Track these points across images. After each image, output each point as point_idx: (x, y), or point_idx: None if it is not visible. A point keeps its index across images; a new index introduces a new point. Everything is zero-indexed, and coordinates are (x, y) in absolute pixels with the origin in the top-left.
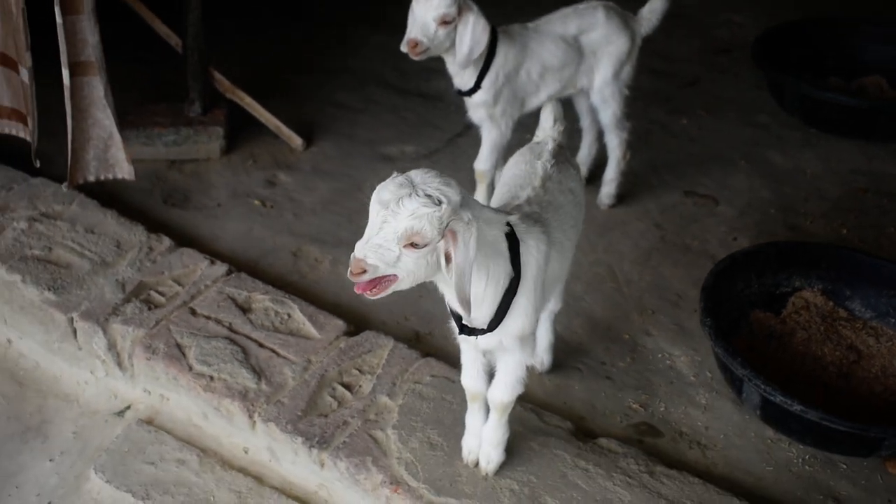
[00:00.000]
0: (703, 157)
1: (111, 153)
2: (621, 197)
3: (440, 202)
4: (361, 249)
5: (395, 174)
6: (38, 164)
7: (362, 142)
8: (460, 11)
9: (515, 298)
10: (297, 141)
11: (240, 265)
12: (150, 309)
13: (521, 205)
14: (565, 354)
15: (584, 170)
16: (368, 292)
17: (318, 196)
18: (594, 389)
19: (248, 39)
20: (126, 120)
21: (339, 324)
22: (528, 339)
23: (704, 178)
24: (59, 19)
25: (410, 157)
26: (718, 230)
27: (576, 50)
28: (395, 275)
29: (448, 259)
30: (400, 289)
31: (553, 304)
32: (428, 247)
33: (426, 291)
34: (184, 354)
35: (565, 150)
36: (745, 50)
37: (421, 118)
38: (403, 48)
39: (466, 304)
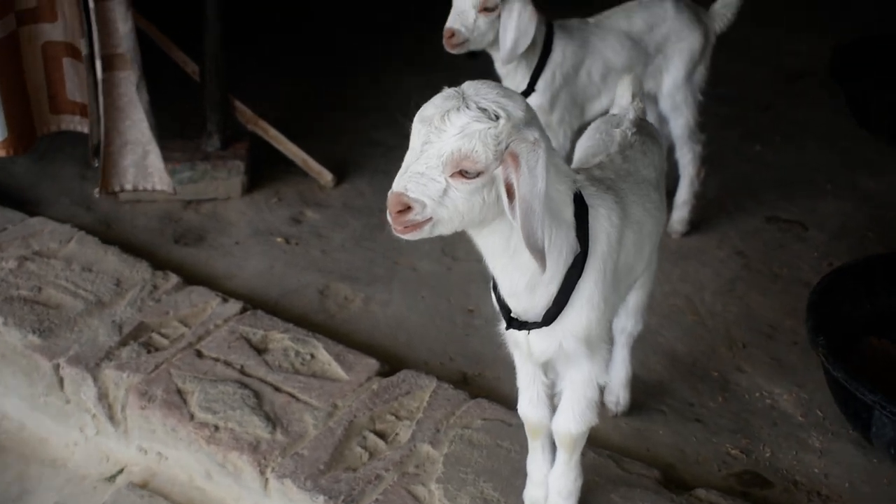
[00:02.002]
0: (783, 181)
1: (150, 160)
2: (695, 224)
3: (497, 117)
4: (399, 181)
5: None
6: (96, 164)
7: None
8: None
9: (580, 281)
10: (326, 177)
11: (257, 305)
12: (149, 352)
13: (590, 168)
14: (644, 395)
15: None
16: (403, 232)
17: (349, 232)
18: (682, 433)
19: (274, 73)
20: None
21: (372, 363)
22: (598, 345)
23: (787, 204)
24: (91, 3)
25: None
26: (810, 256)
27: (642, 48)
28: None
29: (510, 193)
30: (440, 232)
31: (630, 322)
32: (482, 176)
33: (473, 329)
34: (185, 401)
35: (650, 124)
36: (816, 77)
37: None
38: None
39: (539, 252)
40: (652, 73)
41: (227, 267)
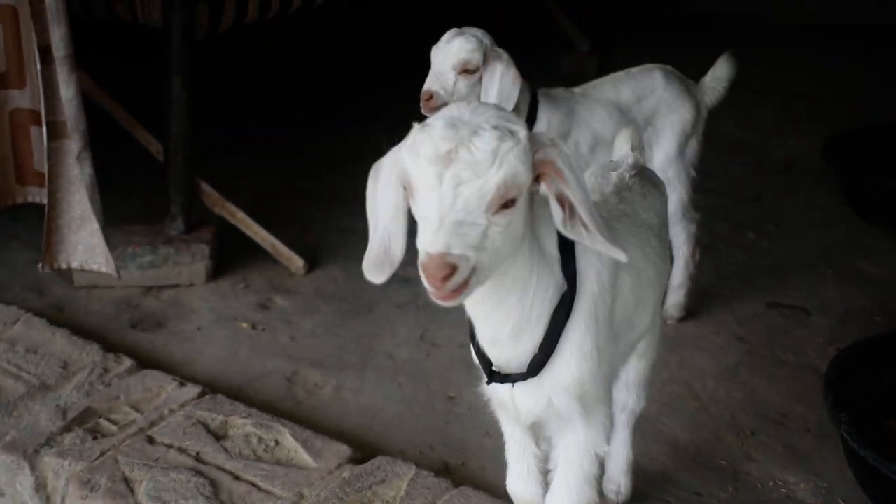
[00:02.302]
0: (780, 268)
1: (97, 240)
2: (691, 310)
3: (513, 132)
4: (436, 239)
5: (416, 125)
6: None
7: None
8: (486, 60)
9: (568, 324)
10: (297, 263)
11: (218, 391)
12: (95, 439)
13: None
14: (647, 484)
15: None
16: (449, 298)
17: (320, 319)
18: None
19: (243, 155)
20: None
21: (343, 449)
22: (595, 406)
23: (787, 289)
24: (37, 65)
25: None
26: (815, 341)
27: (631, 120)
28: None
29: (563, 203)
30: (480, 284)
31: (631, 398)
32: (519, 200)
33: (454, 417)
34: (131, 490)
35: (652, 171)
36: (807, 170)
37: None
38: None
39: (619, 245)
40: (641, 146)
41: (187, 352)
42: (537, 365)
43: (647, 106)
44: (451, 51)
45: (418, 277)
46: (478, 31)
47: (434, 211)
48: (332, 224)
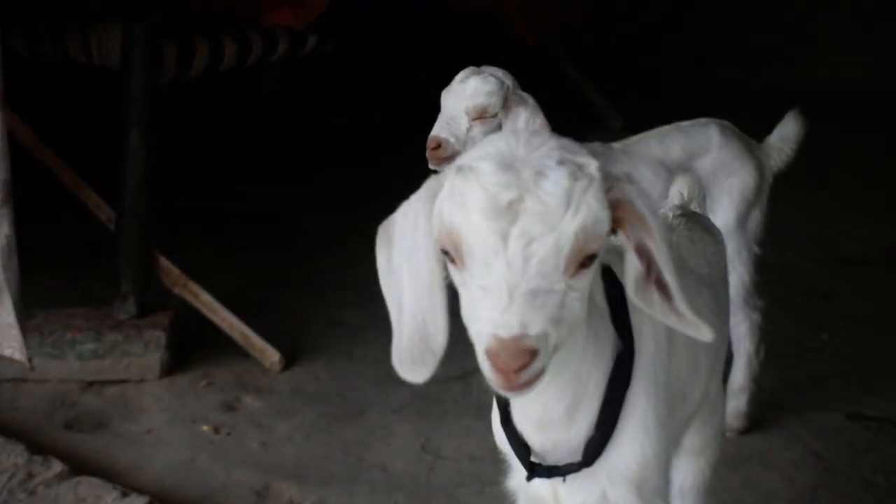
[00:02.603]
0: (860, 374)
1: (11, 319)
2: (756, 420)
3: (581, 166)
4: (509, 318)
5: (448, 170)
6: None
7: (366, 361)
8: (507, 104)
9: (628, 394)
10: (272, 356)
11: None
12: None
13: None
14: None
15: None
16: (523, 390)
17: (298, 422)
18: None
19: (214, 230)
20: (28, 322)
21: None
22: (653, 500)
23: (871, 398)
24: None
25: (436, 381)
26: None
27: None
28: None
29: (642, 252)
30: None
31: (687, 474)
32: (601, 250)
33: None
34: None
35: (706, 218)
36: (883, 262)
37: (450, 337)
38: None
39: (705, 318)
40: (701, 197)
41: (133, 457)
42: (595, 448)
43: (700, 166)
44: (466, 93)
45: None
46: (498, 71)
47: (500, 281)
48: (317, 314)
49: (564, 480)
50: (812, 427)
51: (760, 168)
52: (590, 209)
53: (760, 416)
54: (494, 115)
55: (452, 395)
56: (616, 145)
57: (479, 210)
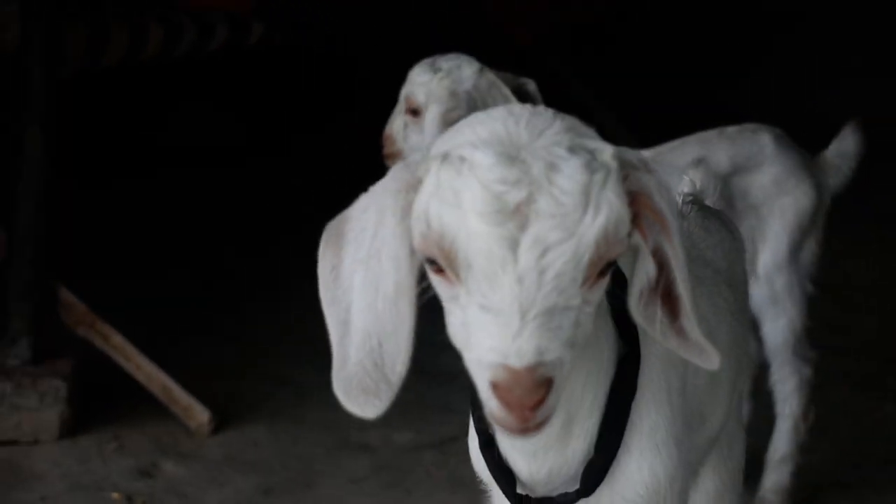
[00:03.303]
0: None
1: None
2: (797, 499)
3: (594, 152)
4: (522, 344)
5: (431, 157)
6: None
7: (317, 426)
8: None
9: (634, 405)
10: (199, 416)
11: None
12: None
13: None
14: None
15: None
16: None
17: (230, 493)
18: None
19: (134, 257)
20: None
21: None
22: None
23: None
24: None
25: (406, 449)
26: None
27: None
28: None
29: (659, 255)
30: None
31: None
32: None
33: None
34: None
35: (721, 211)
36: None
37: (423, 399)
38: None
39: (706, 342)
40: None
41: None
42: (597, 473)
43: (749, 183)
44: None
45: (384, 444)
46: (459, 59)
47: (511, 300)
48: (256, 369)
49: None
50: None
51: (818, 188)
52: (611, 208)
53: (807, 496)
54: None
55: (424, 465)
56: (647, 153)
57: (481, 213)
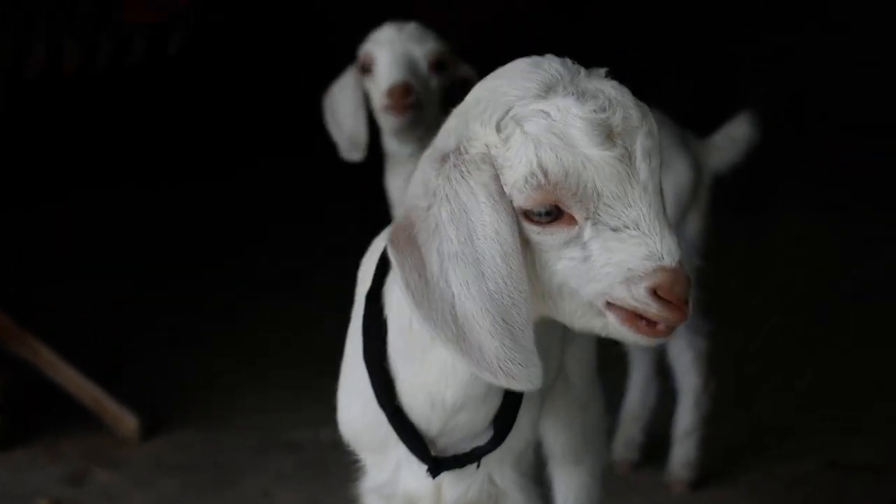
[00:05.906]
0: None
1: None
2: (708, 469)
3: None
4: (668, 244)
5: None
6: None
7: (246, 426)
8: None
9: None
10: (128, 424)
11: None
12: None
13: None
14: None
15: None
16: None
17: (156, 494)
18: None
19: (62, 264)
20: None
21: None
22: (528, 477)
23: (855, 442)
24: None
25: (330, 446)
26: None
27: None
28: None
29: None
30: None
31: (569, 489)
32: None
33: None
34: None
35: None
36: None
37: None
38: (383, 101)
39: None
40: None
41: None
42: (506, 423)
43: None
44: (414, 36)
45: (311, 442)
46: None
47: (646, 207)
48: (185, 371)
49: (478, 466)
50: (777, 478)
51: (696, 167)
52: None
53: (715, 466)
54: (446, 69)
55: (346, 461)
56: None
57: (595, 141)
